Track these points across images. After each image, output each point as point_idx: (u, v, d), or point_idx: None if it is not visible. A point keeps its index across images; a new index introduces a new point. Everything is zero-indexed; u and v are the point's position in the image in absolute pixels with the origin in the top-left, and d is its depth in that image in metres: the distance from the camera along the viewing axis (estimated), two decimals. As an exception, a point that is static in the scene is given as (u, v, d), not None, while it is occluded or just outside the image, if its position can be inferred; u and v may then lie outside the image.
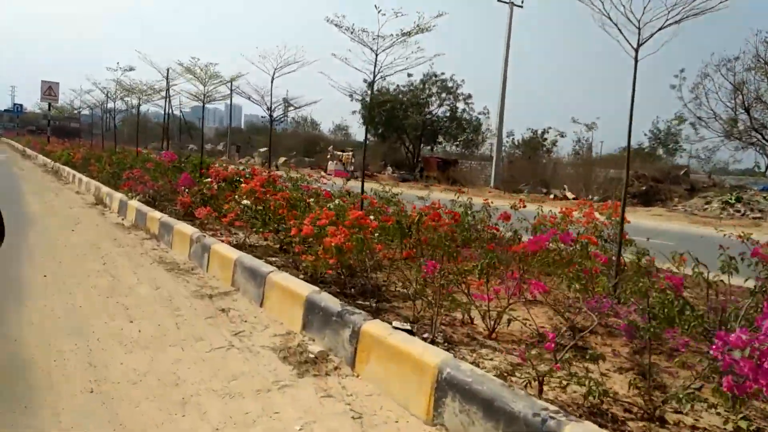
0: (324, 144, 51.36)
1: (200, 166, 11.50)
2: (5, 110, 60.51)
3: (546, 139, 51.72)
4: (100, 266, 5.56)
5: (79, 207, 10.05)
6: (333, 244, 3.98)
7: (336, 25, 6.72)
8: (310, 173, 36.56)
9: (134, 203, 8.51)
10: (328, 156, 41.04)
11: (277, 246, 5.77)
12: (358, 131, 64.01)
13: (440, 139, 47.83)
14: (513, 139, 52.93)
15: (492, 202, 7.13)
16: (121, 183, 10.59)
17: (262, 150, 59.41)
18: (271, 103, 9.79)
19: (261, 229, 5.68)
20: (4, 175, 16.54)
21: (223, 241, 5.64)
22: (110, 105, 22.13)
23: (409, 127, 46.55)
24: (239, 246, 5.58)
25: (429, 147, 48.61)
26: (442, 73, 43.10)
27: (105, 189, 10.66)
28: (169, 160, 10.22)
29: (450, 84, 44.12)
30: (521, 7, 27.90)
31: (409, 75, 45.14)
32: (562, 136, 49.67)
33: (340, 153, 40.73)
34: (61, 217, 8.73)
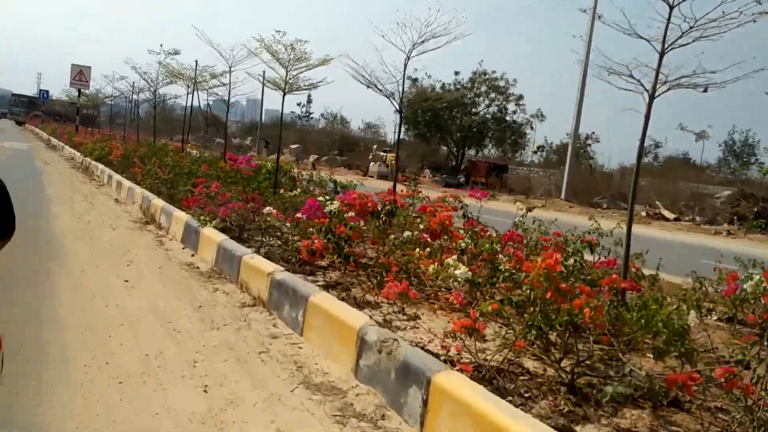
0: (365, 143, 48.49)
1: (275, 175, 8.71)
2: (32, 96, 58.69)
3: (589, 145, 48.66)
4: (201, 398, 2.75)
5: (124, 227, 7.29)
6: None
7: None
8: (347, 173, 33.57)
9: (212, 233, 5.72)
10: (370, 156, 38.18)
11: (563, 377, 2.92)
12: (392, 130, 61.18)
13: (485, 142, 44.78)
14: (552, 144, 49.84)
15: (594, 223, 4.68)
16: (182, 196, 7.84)
17: (293, 146, 56.96)
18: (402, 94, 6.93)
19: (532, 337, 2.83)
20: (26, 171, 13.94)
21: (460, 369, 2.74)
22: (142, 94, 19.64)
23: (454, 128, 43.58)
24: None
25: (474, 150, 45.59)
26: (493, 72, 39.94)
27: (157, 202, 7.90)
28: (242, 165, 7.43)
29: (501, 83, 41.03)
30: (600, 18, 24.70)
31: (456, 73, 42.22)
32: (597, 142, 46.36)
33: (384, 154, 37.85)
34: (101, 247, 5.98)
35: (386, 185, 12.06)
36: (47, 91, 45.10)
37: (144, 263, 5.42)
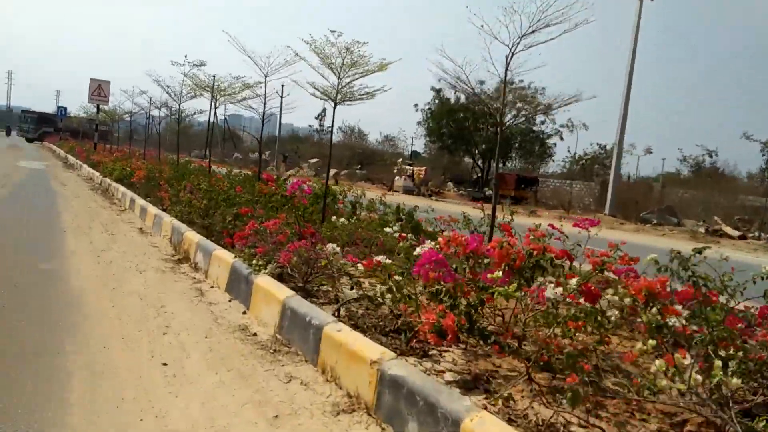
0: (388, 157, 47.27)
1: (324, 199, 7.38)
2: (42, 113, 58.47)
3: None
4: None
5: (154, 268, 6.00)
6: None
7: None
8: (370, 187, 32.12)
9: (270, 285, 4.40)
10: (395, 170, 36.88)
11: None
12: (416, 143, 59.98)
13: (512, 153, 43.33)
14: (575, 154, 48.17)
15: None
16: (220, 227, 6.56)
17: (312, 161, 56.02)
18: (503, 100, 5.54)
19: None
20: (41, 193, 12.83)
21: None
22: (163, 109, 18.57)
23: (479, 139, 42.19)
24: None
25: (501, 163, 44.10)
26: (521, 81, 38.50)
27: (191, 236, 6.61)
28: (296, 191, 6.11)
29: (529, 92, 39.60)
30: None
31: (482, 82, 40.92)
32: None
33: (410, 168, 36.53)
34: (128, 302, 4.68)
35: (415, 200, 10.87)
36: (65, 108, 44.49)
37: (185, 329, 4.09)
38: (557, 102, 5.16)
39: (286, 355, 3.65)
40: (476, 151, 42.70)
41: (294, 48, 8.84)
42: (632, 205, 23.83)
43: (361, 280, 5.11)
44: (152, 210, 8.90)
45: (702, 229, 18.83)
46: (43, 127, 53.61)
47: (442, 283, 3.22)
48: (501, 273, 2.87)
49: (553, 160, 44.14)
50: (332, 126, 8.14)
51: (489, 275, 2.89)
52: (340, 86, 7.84)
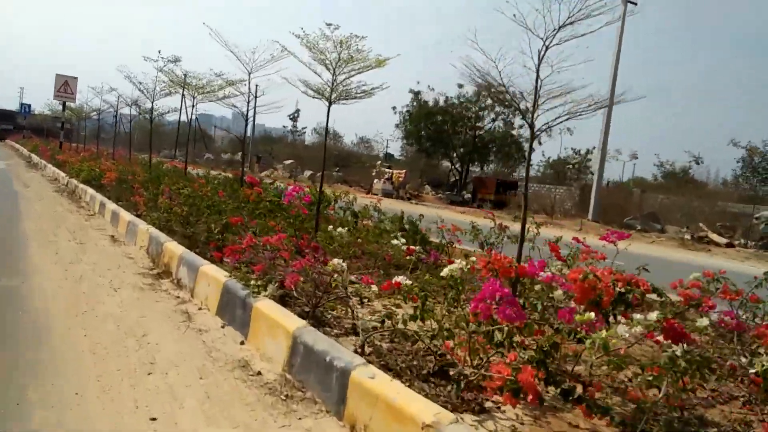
0: (367, 159, 46.63)
1: (317, 206, 6.73)
2: (10, 111, 56.01)
3: (590, 159, 47.45)
4: None
5: (131, 285, 5.27)
6: None
7: None
8: (348, 190, 31.59)
9: (274, 312, 3.75)
10: (374, 173, 36.25)
11: None
12: (391, 145, 59.48)
13: (490, 157, 43.13)
14: (549, 159, 48.33)
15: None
16: (203, 237, 5.88)
17: (287, 162, 55.03)
18: (536, 99, 5.00)
19: None
20: (1, 195, 11.84)
21: None
22: (133, 107, 17.63)
23: (458, 143, 41.88)
24: None
25: (479, 166, 43.93)
26: (500, 84, 38.21)
27: (172, 247, 5.88)
28: (292, 198, 5.43)
29: (507, 96, 39.42)
30: (635, 3, 23.12)
31: (460, 86, 40.57)
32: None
33: (389, 170, 35.95)
34: (103, 331, 3.97)
35: (396, 204, 10.33)
36: (29, 105, 42.60)
37: (173, 366, 3.41)
38: (596, 103, 4.65)
39: (302, 402, 3.02)
40: (454, 155, 42.37)
41: (282, 43, 8.17)
42: (614, 210, 23.71)
43: (373, 301, 4.50)
44: (125, 216, 8.10)
45: (687, 236, 18.74)
46: (1, 124, 51.08)
47: (497, 319, 2.63)
48: (592, 315, 2.29)
49: (539, 164, 44.05)
50: (327, 126, 7.48)
51: (577, 317, 2.31)
52: (335, 84, 7.23)
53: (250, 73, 9.81)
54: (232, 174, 11.62)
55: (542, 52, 4.51)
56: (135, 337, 3.88)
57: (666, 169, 42.74)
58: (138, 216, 8.05)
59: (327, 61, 7.09)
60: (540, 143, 40.17)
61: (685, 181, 33.04)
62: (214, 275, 4.73)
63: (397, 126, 43.89)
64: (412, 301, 3.95)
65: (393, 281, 3.92)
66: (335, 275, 4.26)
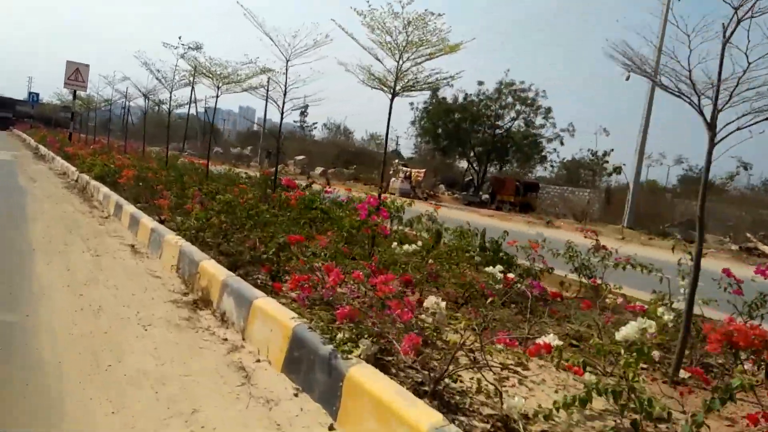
0: (380, 156, 45.35)
1: (371, 218, 5.58)
2: (8, 99, 54.80)
3: (607, 161, 46.18)
4: None
5: (163, 319, 4.15)
6: None
7: None
8: (362, 188, 30.36)
9: (376, 385, 2.62)
10: (391, 171, 35.06)
11: None
12: (401, 143, 58.20)
13: (510, 157, 41.86)
14: (564, 159, 46.96)
15: None
16: (246, 256, 4.76)
17: (299, 158, 53.95)
18: (717, 85, 3.83)
19: None
20: (7, 190, 10.78)
21: None
22: (150, 96, 16.55)
23: (476, 141, 40.64)
24: None
25: (496, 166, 42.67)
26: (522, 82, 37.12)
27: (212, 269, 4.75)
28: (369, 215, 4.31)
29: (529, 94, 38.18)
30: None
31: (480, 83, 39.31)
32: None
33: (408, 169, 34.78)
34: (134, 392, 2.85)
35: (424, 206, 9.20)
36: (37, 94, 41.59)
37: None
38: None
39: None
40: (472, 153, 41.15)
41: (325, 26, 7.01)
42: (650, 217, 22.42)
43: (493, 362, 3.37)
44: (147, 222, 7.00)
45: (734, 246, 17.52)
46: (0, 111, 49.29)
47: None
48: None
49: (552, 165, 42.74)
50: (388, 122, 6.34)
51: None
52: (399, 71, 6.10)
53: (288, 60, 8.70)
54: (260, 173, 10.49)
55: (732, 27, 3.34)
56: (182, 415, 2.76)
57: (692, 175, 41.33)
58: (161, 222, 6.95)
59: (392, 45, 5.97)
60: (562, 143, 38.92)
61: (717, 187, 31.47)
62: (275, 315, 3.61)
63: (412, 123, 42.71)
64: (566, 369, 2.83)
65: (541, 343, 2.81)
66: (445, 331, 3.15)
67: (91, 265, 5.62)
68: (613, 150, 45.85)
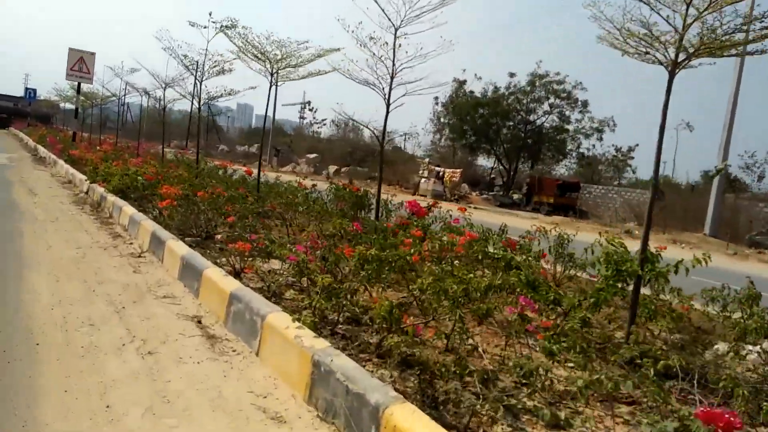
0: (402, 154, 42.65)
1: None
2: (8, 95, 51.91)
3: (632, 157, 43.63)
4: None
5: None
6: None
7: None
8: (387, 189, 27.21)
9: None
10: (420, 171, 32.39)
11: None
12: (422, 139, 55.24)
13: (542, 154, 39.19)
14: (584, 155, 44.29)
15: None
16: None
17: (310, 156, 51.26)
18: None
19: None
20: (-3, 212, 8.12)
21: None
22: (175, 87, 13.92)
23: (505, 138, 37.98)
24: None
25: (527, 164, 40.00)
26: (557, 74, 34.42)
27: (408, 417, 2.07)
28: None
29: (564, 87, 35.48)
30: None
31: (512, 75, 36.58)
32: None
33: (440, 169, 32.11)
34: None
35: (454, 209, 6.80)
36: (34, 90, 38.89)
37: None
38: None
39: None
40: (501, 150, 38.45)
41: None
42: (731, 224, 19.73)
43: None
44: (218, 279, 4.33)
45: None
46: None
47: None
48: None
49: (590, 163, 40.05)
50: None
51: None
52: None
53: (396, 30, 6.04)
54: (340, 183, 7.85)
55: None
56: None
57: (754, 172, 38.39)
58: (237, 275, 4.30)
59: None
60: (601, 139, 36.26)
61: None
62: None
63: (431, 120, 39.99)
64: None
65: None
66: None
67: (144, 387, 2.98)
68: (638, 145, 43.14)
